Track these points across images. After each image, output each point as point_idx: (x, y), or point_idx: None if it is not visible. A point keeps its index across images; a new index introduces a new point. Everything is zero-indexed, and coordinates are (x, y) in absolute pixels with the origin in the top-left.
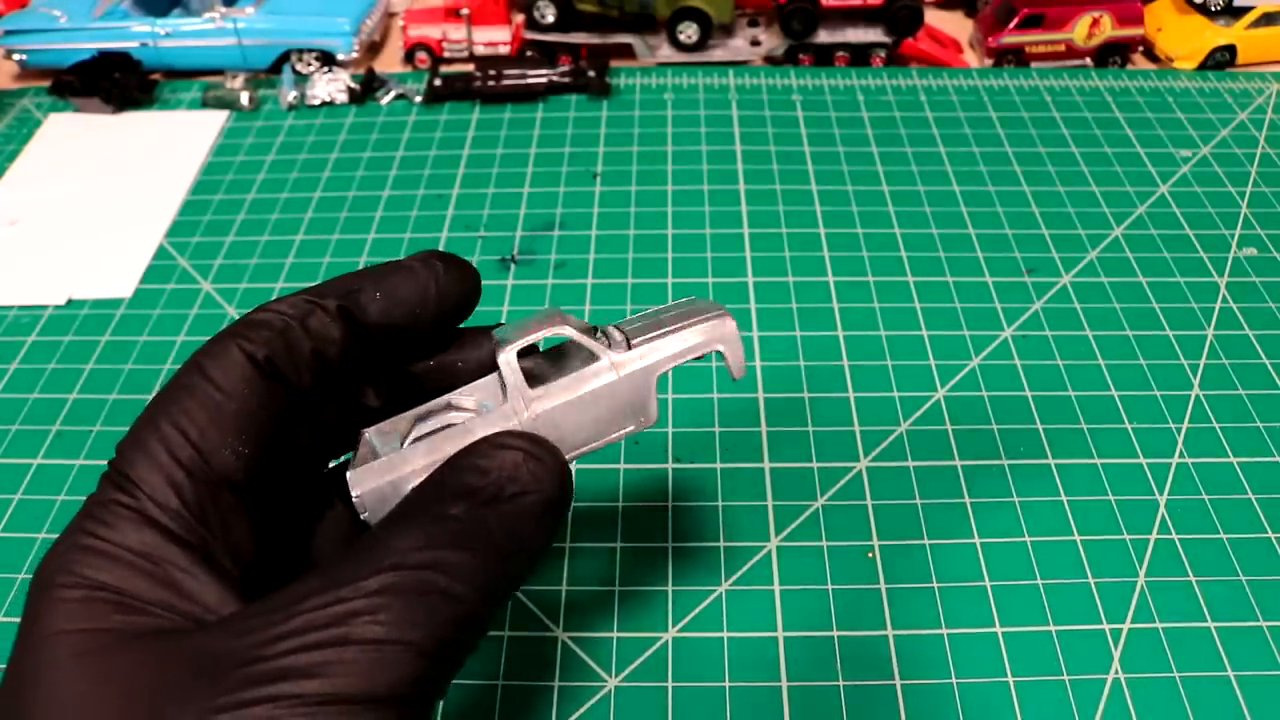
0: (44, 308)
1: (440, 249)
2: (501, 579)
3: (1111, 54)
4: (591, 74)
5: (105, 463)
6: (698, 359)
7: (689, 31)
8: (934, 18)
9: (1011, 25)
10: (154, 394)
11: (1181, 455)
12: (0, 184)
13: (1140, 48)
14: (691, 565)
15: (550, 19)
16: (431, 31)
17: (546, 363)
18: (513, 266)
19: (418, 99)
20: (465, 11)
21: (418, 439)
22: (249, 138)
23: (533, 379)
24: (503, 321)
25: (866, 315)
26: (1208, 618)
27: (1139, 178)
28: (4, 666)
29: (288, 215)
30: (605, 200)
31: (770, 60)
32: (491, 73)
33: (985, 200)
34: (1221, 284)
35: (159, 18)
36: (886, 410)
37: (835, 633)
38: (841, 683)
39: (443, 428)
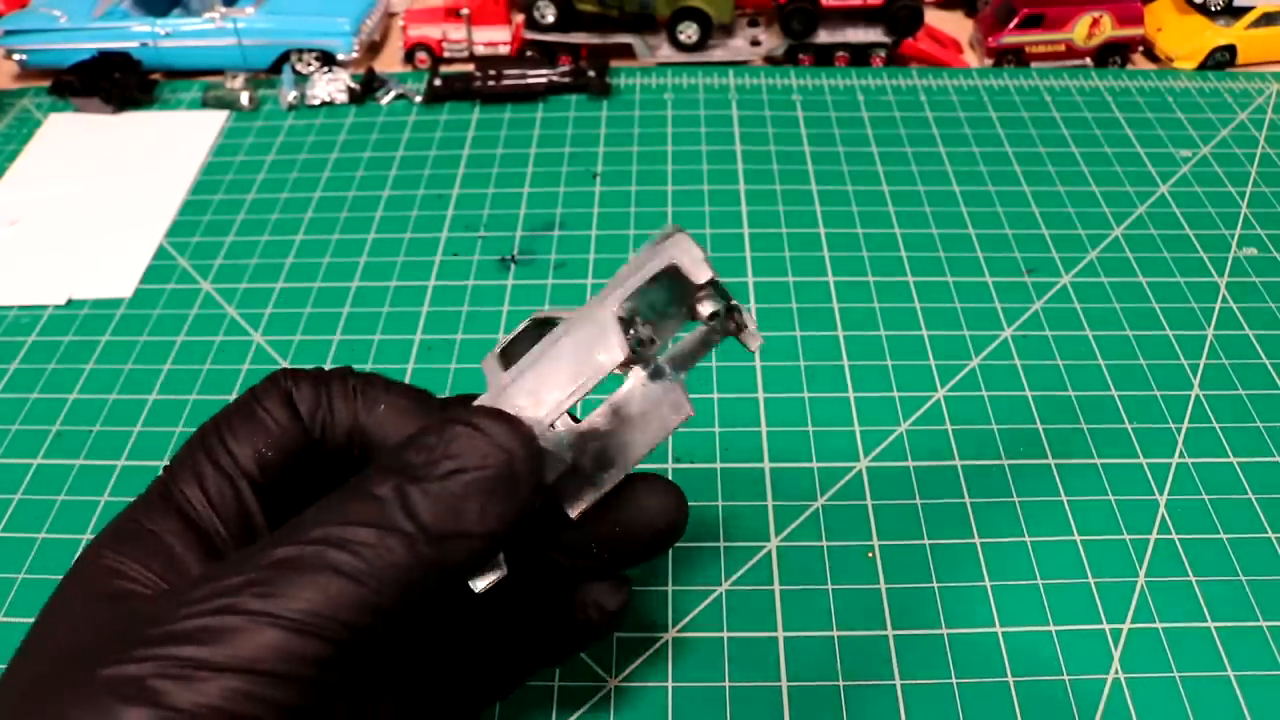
0: (44, 308)
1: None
2: (426, 563)
3: (1111, 54)
4: (591, 74)
5: (105, 463)
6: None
7: (689, 31)
8: (934, 18)
9: (1011, 25)
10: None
11: (1181, 455)
12: (0, 184)
13: (1140, 48)
14: (691, 565)
15: (550, 19)
16: (431, 31)
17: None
18: (513, 266)
19: (418, 99)
20: (465, 11)
21: None
22: (249, 138)
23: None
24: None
25: (866, 315)
26: (1208, 618)
27: (1139, 178)
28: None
29: (288, 215)
30: (605, 200)
31: (770, 60)
32: (491, 73)
33: (985, 200)
34: (1221, 284)
35: (159, 18)
36: (886, 410)
37: (835, 633)
38: (841, 683)
39: None
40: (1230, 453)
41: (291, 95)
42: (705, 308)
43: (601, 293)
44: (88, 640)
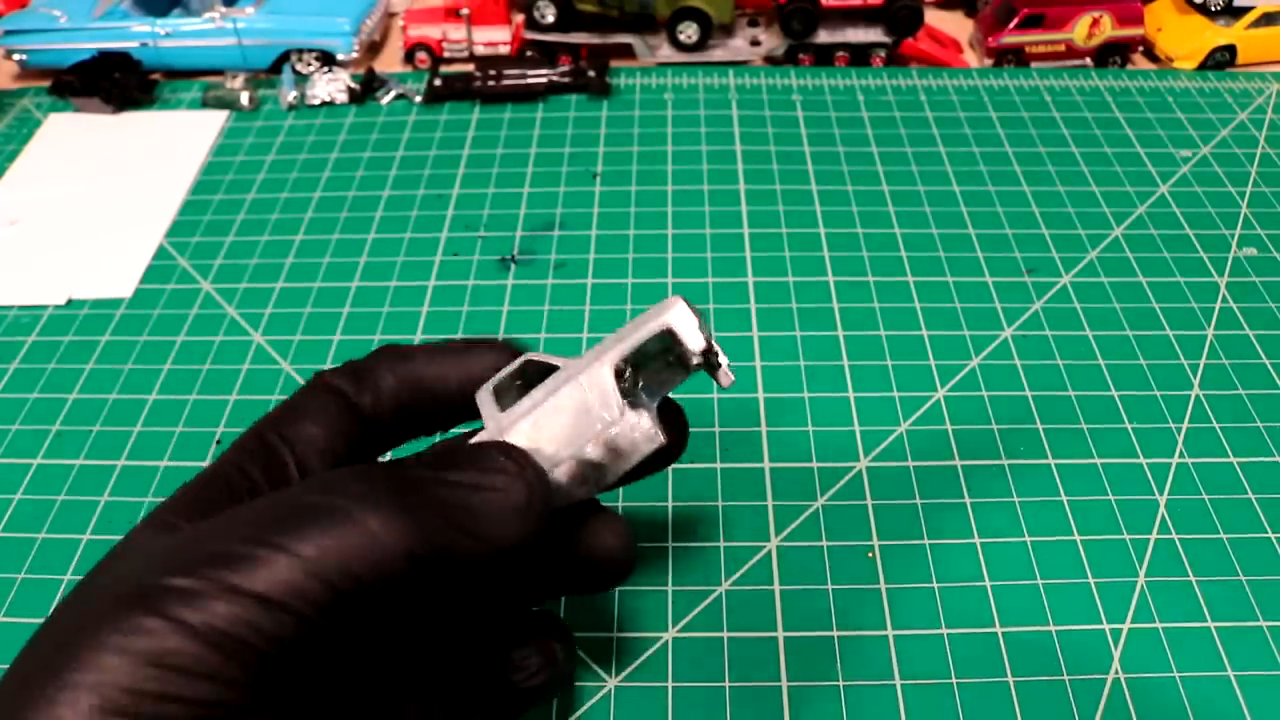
0: (44, 308)
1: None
2: (437, 543)
3: (1111, 54)
4: (591, 74)
5: (105, 463)
6: (670, 357)
7: (689, 31)
8: (934, 18)
9: (1011, 25)
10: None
11: (1181, 455)
12: (0, 184)
13: (1140, 48)
14: (691, 565)
15: (550, 19)
16: (431, 31)
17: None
18: (513, 266)
19: (418, 99)
20: (465, 11)
21: None
22: (249, 138)
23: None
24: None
25: (866, 315)
26: (1208, 618)
27: (1139, 178)
28: (4, 667)
29: (288, 215)
30: (605, 200)
31: (770, 60)
32: (491, 73)
33: (985, 200)
34: (1221, 284)
35: (159, 18)
36: (886, 410)
37: (835, 633)
38: (841, 683)
39: None
40: (1230, 453)
41: (291, 95)
42: (693, 358)
43: (598, 348)
44: (135, 565)
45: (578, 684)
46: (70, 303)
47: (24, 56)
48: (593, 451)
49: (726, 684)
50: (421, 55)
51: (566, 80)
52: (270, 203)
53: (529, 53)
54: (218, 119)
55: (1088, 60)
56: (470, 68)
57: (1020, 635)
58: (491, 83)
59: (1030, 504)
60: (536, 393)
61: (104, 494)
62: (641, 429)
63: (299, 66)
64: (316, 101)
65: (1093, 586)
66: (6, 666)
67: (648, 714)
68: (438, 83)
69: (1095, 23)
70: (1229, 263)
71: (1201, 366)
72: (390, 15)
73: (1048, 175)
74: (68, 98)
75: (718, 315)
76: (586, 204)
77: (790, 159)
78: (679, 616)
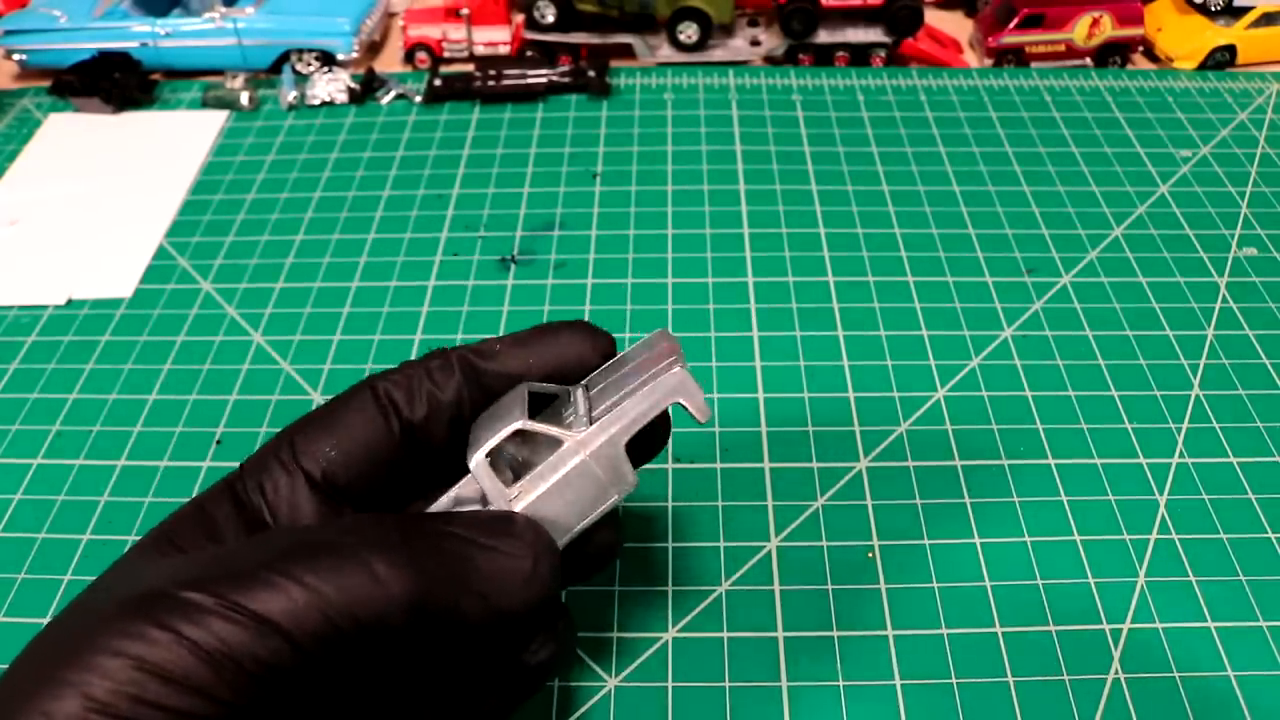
0: (44, 308)
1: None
2: (439, 600)
3: (1111, 54)
4: (591, 74)
5: (105, 463)
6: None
7: (689, 31)
8: (934, 18)
9: (1011, 25)
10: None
11: (1181, 455)
12: (0, 184)
13: (1140, 48)
14: (691, 565)
15: (550, 19)
16: (431, 31)
17: (522, 449)
18: (513, 266)
19: (418, 99)
20: (465, 11)
21: None
22: (249, 138)
23: (508, 470)
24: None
25: (866, 315)
26: (1208, 618)
27: (1139, 178)
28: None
29: (288, 215)
30: (605, 200)
31: (770, 60)
32: (491, 73)
33: (985, 200)
34: (1221, 284)
35: (159, 18)
36: (886, 410)
37: (835, 633)
38: (841, 682)
39: None
40: (1230, 453)
41: (291, 95)
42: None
43: (601, 418)
44: (144, 576)
45: (578, 684)
46: (70, 303)
47: (24, 56)
48: (595, 517)
49: (726, 684)
50: (421, 55)
51: (566, 80)
52: (270, 203)
53: (529, 53)
54: (218, 119)
55: (1088, 60)
56: (470, 68)
57: (1020, 635)
58: (491, 83)
59: (1030, 504)
60: (542, 467)
61: (104, 494)
62: (618, 470)
63: (299, 66)
64: (316, 101)
65: (1093, 586)
66: (6, 666)
67: (648, 714)
68: (438, 83)
69: (1095, 23)
70: (1229, 263)
71: (1201, 366)
72: (390, 15)
73: (1048, 175)
74: (68, 98)
75: (718, 315)
76: (586, 204)
77: (790, 159)
78: (679, 616)
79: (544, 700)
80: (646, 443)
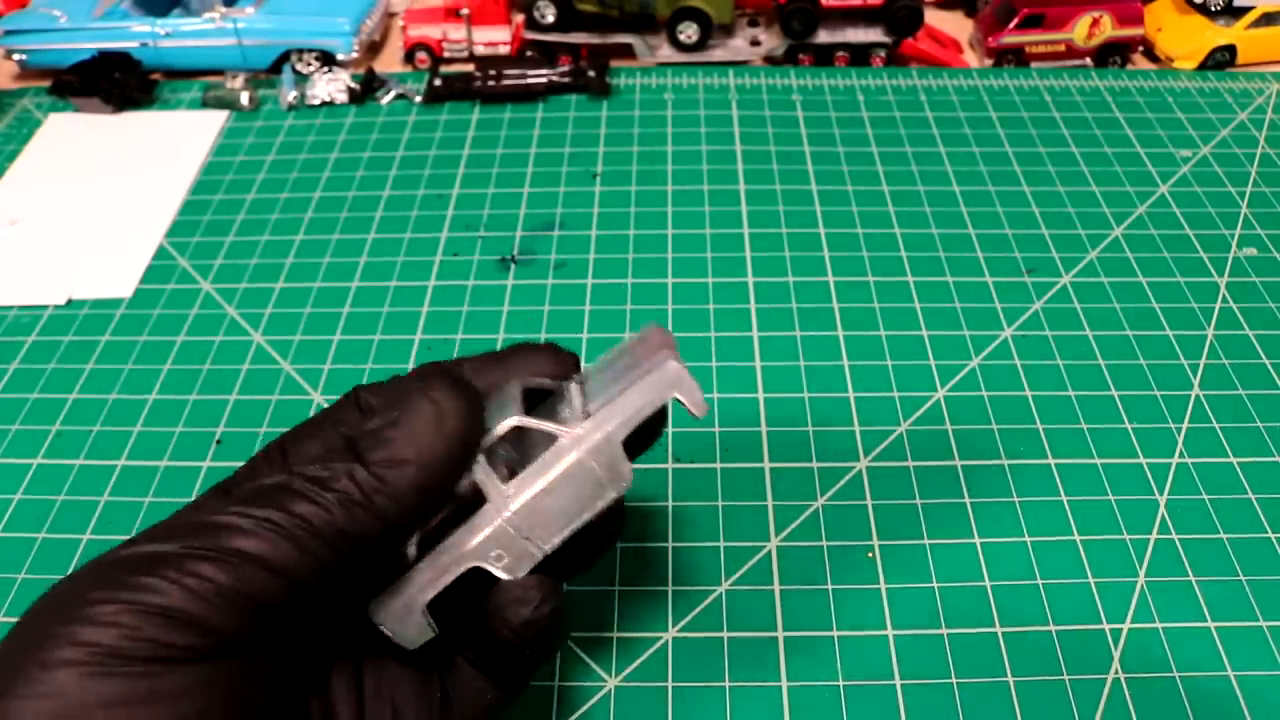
0: (44, 308)
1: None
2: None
3: (1111, 54)
4: (591, 74)
5: (105, 463)
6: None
7: (689, 31)
8: (934, 18)
9: (1011, 25)
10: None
11: (1181, 455)
12: (0, 184)
13: (1140, 48)
14: (691, 565)
15: (550, 19)
16: (431, 31)
17: (517, 445)
18: (513, 266)
19: (418, 99)
20: (465, 11)
21: (417, 555)
22: (249, 138)
23: (502, 467)
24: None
25: (866, 315)
26: (1208, 618)
27: (1139, 178)
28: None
29: (288, 215)
30: (605, 200)
31: (770, 60)
32: (491, 73)
33: (985, 200)
34: (1221, 284)
35: (159, 18)
36: (886, 410)
37: (835, 633)
38: (841, 683)
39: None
40: (1230, 453)
41: (291, 95)
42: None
43: (597, 413)
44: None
45: (578, 684)
46: (70, 303)
47: (24, 56)
48: (591, 515)
49: (726, 684)
50: (421, 55)
51: (566, 80)
52: (270, 203)
53: (529, 53)
54: (218, 119)
55: (1088, 60)
56: (470, 68)
57: (1020, 635)
58: (491, 83)
59: (1030, 504)
60: (537, 464)
61: (104, 494)
62: (616, 469)
63: (299, 66)
64: (316, 101)
65: (1093, 586)
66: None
67: (648, 714)
68: (438, 83)
69: (1095, 23)
70: (1229, 263)
71: (1201, 366)
72: (390, 15)
73: (1048, 175)
74: (68, 98)
75: (718, 315)
76: (586, 204)
77: (790, 159)
78: (679, 616)
79: (544, 700)
80: (642, 436)
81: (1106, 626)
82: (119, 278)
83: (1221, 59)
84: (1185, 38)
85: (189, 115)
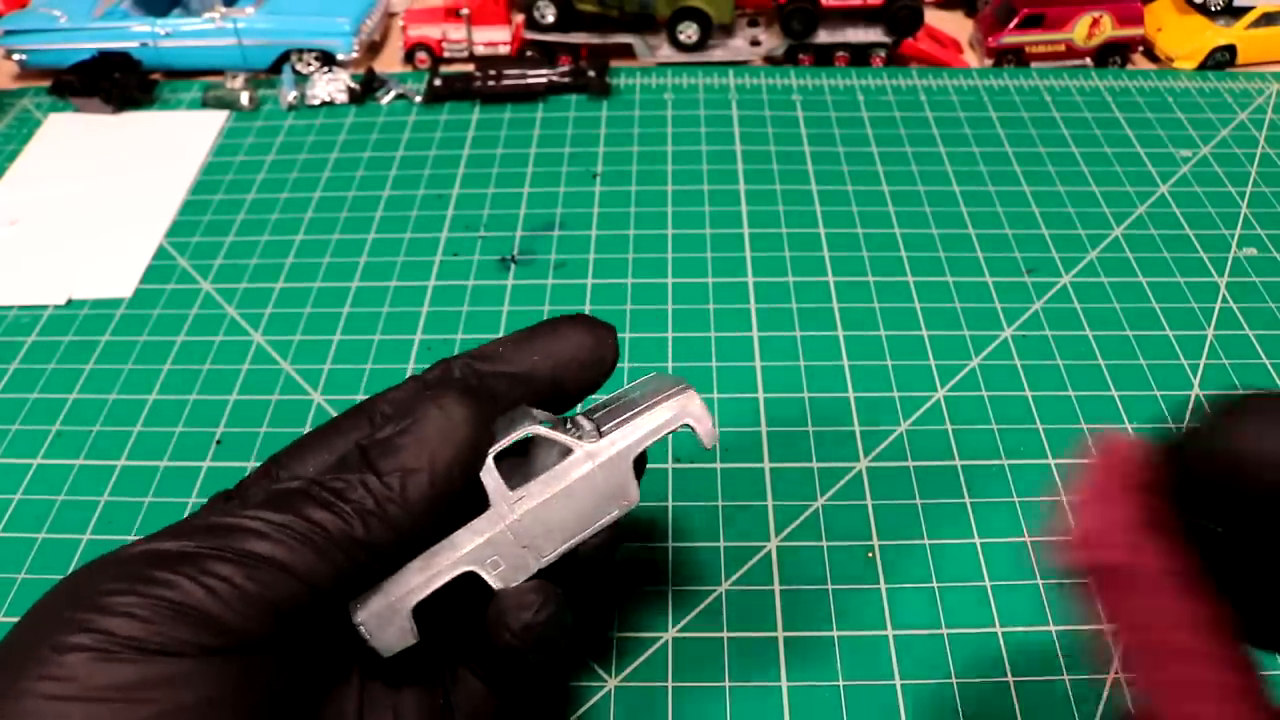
0: (44, 308)
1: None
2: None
3: (1111, 54)
4: (591, 74)
5: (105, 463)
6: (670, 431)
7: (689, 31)
8: (934, 18)
9: (1011, 25)
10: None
11: None
12: (0, 184)
13: (1140, 48)
14: (691, 565)
15: (550, 19)
16: (431, 31)
17: (525, 460)
18: (513, 266)
19: (418, 99)
20: (465, 11)
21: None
22: (249, 138)
23: (513, 477)
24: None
25: (866, 315)
26: None
27: (1139, 178)
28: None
29: (288, 215)
30: (605, 200)
31: (770, 60)
32: (491, 73)
33: (985, 200)
34: (1221, 284)
35: (159, 18)
36: (886, 410)
37: (835, 633)
38: (842, 682)
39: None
40: None
41: (291, 95)
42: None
43: (611, 433)
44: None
45: (578, 684)
46: (70, 303)
47: (24, 56)
48: (594, 530)
49: (726, 684)
50: (421, 55)
51: (566, 80)
52: (270, 203)
53: (529, 53)
54: (218, 119)
55: (1088, 60)
56: (470, 68)
57: (1020, 635)
58: (491, 83)
59: (1030, 504)
60: (549, 474)
61: (104, 494)
62: (621, 485)
63: (299, 66)
64: (316, 101)
65: None
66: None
67: (648, 714)
68: (438, 83)
69: (1095, 23)
70: (1229, 263)
71: (1201, 366)
72: (390, 15)
73: (1048, 175)
74: (68, 98)
75: (718, 315)
76: (586, 204)
77: (790, 159)
78: (679, 616)
79: (544, 700)
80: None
81: (1107, 626)
82: (119, 278)
83: (1221, 59)
84: (1185, 38)
85: (189, 115)
